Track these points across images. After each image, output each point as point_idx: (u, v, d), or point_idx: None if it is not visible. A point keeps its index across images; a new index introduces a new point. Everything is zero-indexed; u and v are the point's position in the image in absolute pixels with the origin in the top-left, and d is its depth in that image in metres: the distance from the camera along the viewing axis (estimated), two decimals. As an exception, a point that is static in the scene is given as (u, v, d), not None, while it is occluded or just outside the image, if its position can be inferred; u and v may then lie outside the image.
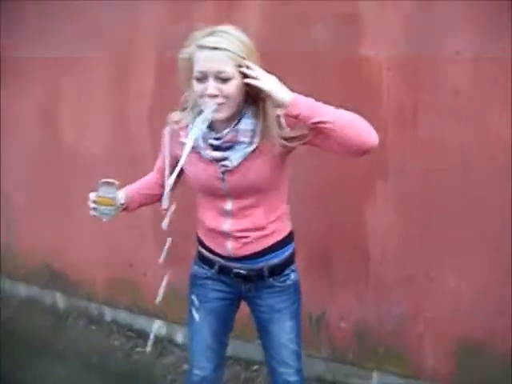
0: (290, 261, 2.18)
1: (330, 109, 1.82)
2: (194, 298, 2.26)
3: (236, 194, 2.02)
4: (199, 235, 2.23)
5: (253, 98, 1.91)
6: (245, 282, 2.16)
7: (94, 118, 3.96)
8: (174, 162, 1.99)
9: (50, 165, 4.24)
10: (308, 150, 2.94)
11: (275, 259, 2.12)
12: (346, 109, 1.85)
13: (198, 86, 1.85)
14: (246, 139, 1.93)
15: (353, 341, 3.17)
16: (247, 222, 2.05)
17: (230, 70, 1.80)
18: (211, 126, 1.92)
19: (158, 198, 2.16)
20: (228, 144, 1.94)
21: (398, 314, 3.00)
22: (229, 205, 2.04)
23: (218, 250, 2.14)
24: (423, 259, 2.90)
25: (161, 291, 2.12)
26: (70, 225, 4.19)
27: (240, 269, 2.12)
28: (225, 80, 1.81)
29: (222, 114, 1.87)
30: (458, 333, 2.88)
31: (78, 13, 3.79)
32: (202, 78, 1.83)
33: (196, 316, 2.25)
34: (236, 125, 1.93)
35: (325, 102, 1.83)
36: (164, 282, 2.12)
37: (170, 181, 1.94)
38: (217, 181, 2.00)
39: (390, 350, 3.07)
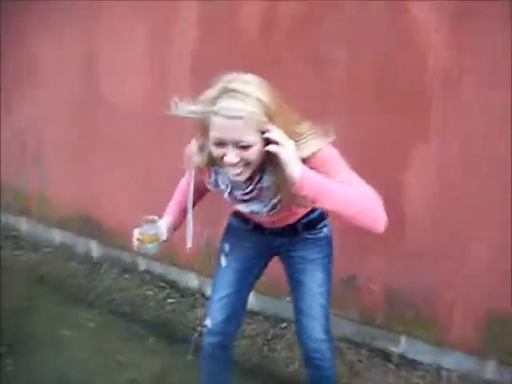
0: (323, 216, 2.22)
1: (338, 193, 1.70)
2: (225, 244, 2.34)
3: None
4: None
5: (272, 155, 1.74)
6: (279, 237, 2.22)
7: (134, 66, 3.93)
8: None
9: (89, 114, 4.26)
10: (348, 108, 2.92)
11: (307, 218, 2.18)
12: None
13: (216, 150, 1.73)
14: (270, 194, 1.87)
15: (382, 304, 3.17)
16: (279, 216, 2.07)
17: (251, 138, 1.67)
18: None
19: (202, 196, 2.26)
20: (253, 198, 1.93)
21: (430, 281, 2.99)
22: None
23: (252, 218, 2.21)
24: (458, 227, 2.87)
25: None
26: (107, 175, 4.23)
27: (274, 228, 2.19)
28: (245, 147, 1.69)
29: (243, 177, 1.78)
30: (487, 303, 2.86)
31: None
32: (221, 144, 1.70)
33: (223, 262, 2.32)
34: (258, 182, 1.87)
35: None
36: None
37: (189, 219, 2.05)
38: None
39: (420, 316, 3.07)
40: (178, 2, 3.61)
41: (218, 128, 1.67)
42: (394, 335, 3.19)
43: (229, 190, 1.95)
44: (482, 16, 2.63)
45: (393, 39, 2.88)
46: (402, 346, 3.18)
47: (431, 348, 3.09)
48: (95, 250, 4.53)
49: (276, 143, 1.66)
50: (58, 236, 4.76)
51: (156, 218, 2.10)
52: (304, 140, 1.76)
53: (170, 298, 3.90)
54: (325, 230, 2.24)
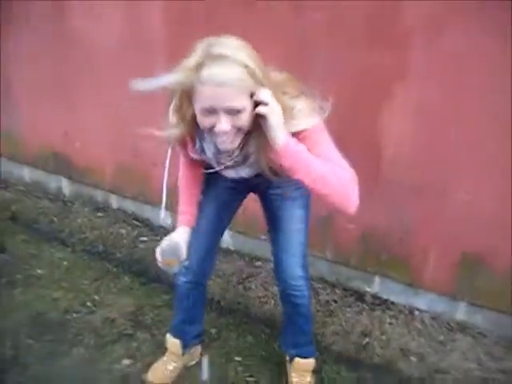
0: None
1: (316, 171, 1.68)
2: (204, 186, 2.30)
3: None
4: None
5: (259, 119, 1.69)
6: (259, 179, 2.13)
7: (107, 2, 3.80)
8: None
9: (60, 52, 4.12)
10: (334, 43, 2.82)
11: None
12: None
13: (205, 120, 1.66)
14: (257, 159, 1.83)
15: (358, 244, 3.19)
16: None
17: (242, 102, 1.61)
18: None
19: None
20: (238, 162, 1.89)
21: (406, 222, 3.00)
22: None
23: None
24: (436, 170, 2.85)
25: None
26: (78, 112, 4.13)
27: None
28: (237, 113, 1.62)
29: (233, 145, 1.74)
30: (462, 247, 2.89)
31: None
32: (210, 113, 1.63)
33: (202, 200, 2.28)
34: (243, 147, 1.82)
35: None
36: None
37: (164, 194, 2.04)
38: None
39: (394, 257, 3.09)
40: None
41: (207, 97, 1.59)
42: (369, 276, 3.22)
43: (214, 156, 1.90)
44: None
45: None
46: (376, 286, 3.22)
47: (405, 289, 3.12)
48: (67, 188, 4.46)
49: (265, 104, 1.61)
50: (29, 174, 4.68)
51: (177, 241, 2.09)
52: (294, 115, 1.72)
53: (143, 236, 3.89)
54: None
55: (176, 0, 3.32)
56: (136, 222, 4.05)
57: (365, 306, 3.16)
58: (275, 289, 3.03)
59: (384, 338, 2.91)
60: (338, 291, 3.25)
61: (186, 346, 2.55)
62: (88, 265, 3.51)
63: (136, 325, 2.92)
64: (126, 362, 2.66)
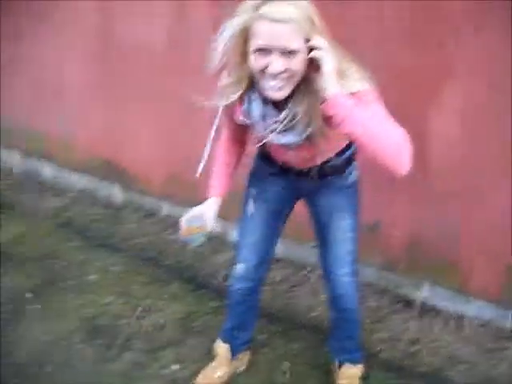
0: (351, 160, 2.16)
1: (367, 123, 1.66)
2: (252, 189, 2.30)
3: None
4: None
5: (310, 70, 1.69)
6: (307, 180, 2.15)
7: (151, 5, 3.84)
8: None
9: (109, 59, 4.21)
10: (375, 43, 2.81)
11: (337, 160, 2.11)
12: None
13: (258, 61, 1.64)
14: (305, 120, 1.78)
15: (406, 250, 3.18)
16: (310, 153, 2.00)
17: (298, 44, 1.60)
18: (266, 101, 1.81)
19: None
20: (286, 125, 1.82)
21: (454, 228, 2.97)
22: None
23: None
24: (486, 173, 2.83)
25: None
26: (130, 120, 4.22)
27: (303, 168, 2.13)
28: (291, 54, 1.61)
29: (284, 93, 1.70)
30: (510, 251, 2.84)
31: None
32: (264, 53, 1.62)
33: (251, 206, 2.28)
34: (291, 106, 1.77)
35: None
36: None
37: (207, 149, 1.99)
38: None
39: (442, 263, 3.07)
40: None
41: (263, 34, 1.59)
42: (417, 282, 3.19)
43: (262, 118, 1.86)
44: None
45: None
46: (425, 292, 3.18)
47: (453, 296, 3.09)
48: (118, 194, 4.54)
49: (322, 52, 1.61)
50: (80, 181, 4.78)
51: (205, 210, 2.10)
52: (347, 76, 1.72)
53: (193, 242, 3.91)
54: (353, 175, 2.19)
55: None
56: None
57: (413, 312, 3.13)
58: (323, 296, 3.03)
59: (432, 345, 2.89)
60: (385, 298, 3.24)
61: (235, 351, 2.59)
62: (138, 271, 3.56)
63: (185, 331, 2.96)
64: (176, 367, 2.70)
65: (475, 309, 3.04)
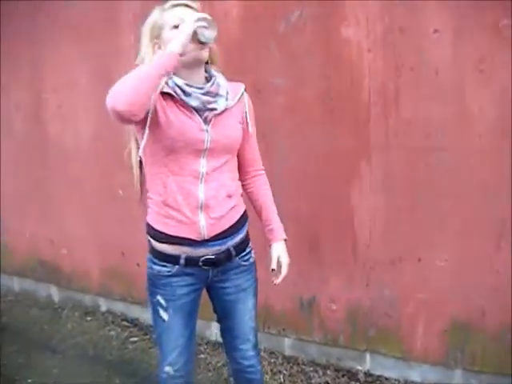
0: (248, 237, 2.22)
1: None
2: (159, 298, 2.16)
3: (212, 150, 2.01)
4: (157, 226, 2.10)
5: None
6: (213, 268, 2.12)
7: (79, 106, 3.94)
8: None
9: (38, 159, 4.23)
10: (290, 133, 2.93)
11: (239, 236, 2.14)
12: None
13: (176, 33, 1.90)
14: (224, 94, 2.04)
15: (344, 323, 3.17)
16: (219, 186, 2.04)
17: None
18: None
19: None
20: (211, 94, 2.01)
21: (389, 296, 3.00)
22: (203, 166, 2.01)
23: (186, 235, 2.06)
24: (410, 240, 2.89)
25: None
26: (60, 218, 4.20)
27: (208, 254, 2.08)
28: None
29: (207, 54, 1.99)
30: (447, 313, 2.87)
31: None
32: (181, 24, 1.90)
33: (165, 316, 2.17)
34: (215, 80, 2.04)
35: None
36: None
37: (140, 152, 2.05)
38: (200, 132, 1.98)
39: (382, 332, 3.07)
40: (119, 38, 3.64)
41: (177, 14, 1.96)
42: (359, 353, 3.19)
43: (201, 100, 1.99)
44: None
45: (328, 61, 2.94)
46: (368, 363, 3.17)
47: (397, 363, 3.08)
48: (56, 294, 4.46)
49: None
50: (17, 283, 4.69)
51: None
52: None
53: (133, 336, 3.86)
54: (252, 253, 2.23)
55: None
56: (125, 323, 4.03)
57: (358, 384, 3.11)
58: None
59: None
60: (329, 373, 3.20)
61: None
62: (78, 370, 3.45)
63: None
64: None
65: (419, 373, 3.04)
